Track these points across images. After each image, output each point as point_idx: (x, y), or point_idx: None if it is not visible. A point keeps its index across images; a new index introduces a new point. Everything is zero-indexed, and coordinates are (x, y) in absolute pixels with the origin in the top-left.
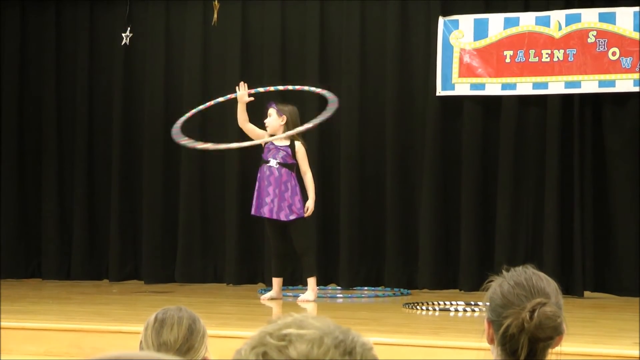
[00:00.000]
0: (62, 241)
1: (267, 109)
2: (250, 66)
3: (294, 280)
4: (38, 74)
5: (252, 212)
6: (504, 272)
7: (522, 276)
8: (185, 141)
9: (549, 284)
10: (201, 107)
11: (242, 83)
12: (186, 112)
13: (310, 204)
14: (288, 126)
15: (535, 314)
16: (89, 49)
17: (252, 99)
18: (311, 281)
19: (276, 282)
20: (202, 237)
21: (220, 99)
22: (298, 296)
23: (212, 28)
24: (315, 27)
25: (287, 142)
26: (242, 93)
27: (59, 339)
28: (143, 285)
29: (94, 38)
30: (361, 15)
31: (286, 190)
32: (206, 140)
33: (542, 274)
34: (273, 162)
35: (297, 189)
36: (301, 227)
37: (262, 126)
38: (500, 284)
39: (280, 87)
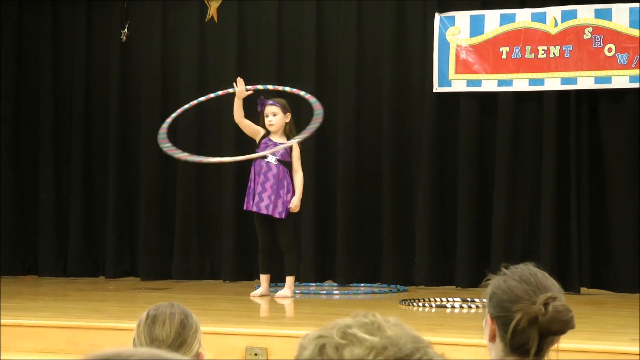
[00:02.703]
0: (58, 238)
1: (263, 105)
2: (246, 64)
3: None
4: (35, 71)
5: (245, 207)
6: (504, 270)
7: (527, 272)
8: (172, 151)
9: (553, 284)
10: (194, 102)
11: (239, 79)
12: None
13: (297, 200)
14: (289, 123)
15: (549, 307)
16: (86, 47)
17: (250, 92)
18: (290, 280)
19: (264, 278)
20: (199, 233)
21: (220, 93)
22: (308, 292)
23: (209, 26)
24: (311, 24)
25: (285, 140)
26: (241, 89)
27: (56, 336)
28: (139, 282)
29: (91, 36)
30: (358, 11)
31: (281, 188)
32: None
33: (545, 273)
34: (272, 159)
35: (291, 186)
36: (288, 225)
37: (255, 121)
38: (504, 280)
39: (270, 87)
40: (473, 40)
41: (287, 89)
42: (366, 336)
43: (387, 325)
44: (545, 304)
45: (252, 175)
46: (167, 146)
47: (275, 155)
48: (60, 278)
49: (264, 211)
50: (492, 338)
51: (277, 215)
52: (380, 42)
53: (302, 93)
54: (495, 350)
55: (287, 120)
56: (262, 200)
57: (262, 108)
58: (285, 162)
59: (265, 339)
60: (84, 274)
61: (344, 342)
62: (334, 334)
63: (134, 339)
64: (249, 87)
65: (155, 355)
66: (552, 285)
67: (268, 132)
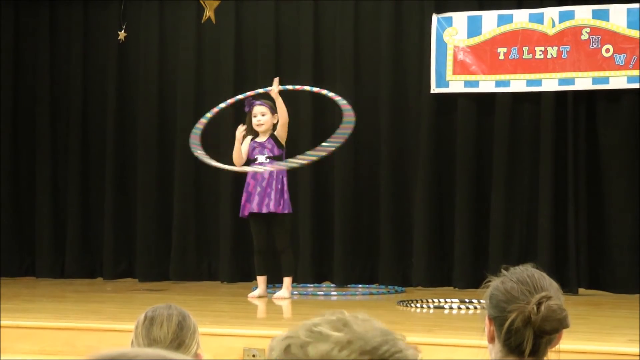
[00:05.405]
0: (56, 239)
1: (251, 106)
2: (244, 65)
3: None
4: (32, 72)
5: (241, 214)
6: (504, 272)
7: (525, 273)
8: (202, 155)
9: (551, 284)
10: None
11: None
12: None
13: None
14: (277, 124)
15: (542, 307)
16: (83, 48)
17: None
18: (287, 280)
19: (261, 280)
20: (197, 234)
21: (250, 93)
22: (305, 293)
23: (206, 27)
24: (309, 25)
25: (268, 136)
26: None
27: (53, 337)
28: (137, 283)
29: (88, 36)
30: (355, 12)
31: (279, 183)
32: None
33: (543, 273)
34: (262, 158)
35: (286, 179)
36: (284, 224)
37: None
38: (502, 281)
39: (308, 88)
40: (470, 41)
41: (315, 89)
42: (331, 332)
43: (355, 321)
44: (539, 304)
45: (248, 180)
46: (195, 146)
47: (264, 155)
48: (58, 279)
49: (265, 210)
50: (491, 339)
51: (280, 211)
52: (378, 43)
53: (332, 95)
54: (494, 351)
55: (275, 122)
56: (263, 200)
57: (249, 108)
58: (277, 157)
59: (263, 340)
60: (82, 275)
61: (308, 340)
62: (300, 334)
63: (132, 341)
64: (281, 87)
65: (160, 355)
66: (550, 285)
67: (255, 135)
